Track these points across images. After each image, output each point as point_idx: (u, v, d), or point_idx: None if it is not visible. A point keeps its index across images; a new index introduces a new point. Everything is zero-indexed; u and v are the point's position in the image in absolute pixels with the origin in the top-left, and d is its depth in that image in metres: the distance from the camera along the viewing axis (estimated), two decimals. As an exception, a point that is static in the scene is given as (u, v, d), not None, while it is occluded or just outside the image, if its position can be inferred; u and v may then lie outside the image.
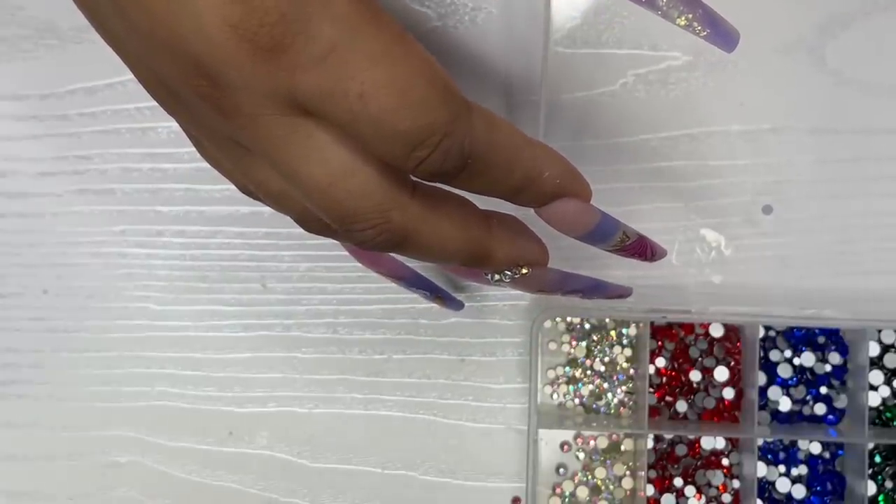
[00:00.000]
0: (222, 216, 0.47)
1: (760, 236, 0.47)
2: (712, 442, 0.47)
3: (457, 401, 0.48)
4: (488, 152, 0.27)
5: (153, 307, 0.48)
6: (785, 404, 0.47)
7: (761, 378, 0.47)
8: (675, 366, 0.47)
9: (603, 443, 0.47)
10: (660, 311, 0.45)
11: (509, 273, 0.32)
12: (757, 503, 0.45)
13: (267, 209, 0.30)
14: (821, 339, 0.47)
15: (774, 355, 0.47)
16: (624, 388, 0.48)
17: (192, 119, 0.27)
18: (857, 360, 0.46)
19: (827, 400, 0.47)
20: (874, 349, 0.46)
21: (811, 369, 0.47)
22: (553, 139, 0.46)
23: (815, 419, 0.47)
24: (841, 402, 0.47)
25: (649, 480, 0.47)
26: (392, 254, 0.37)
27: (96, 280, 0.48)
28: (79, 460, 0.48)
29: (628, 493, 0.47)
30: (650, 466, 0.47)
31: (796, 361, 0.47)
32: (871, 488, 0.46)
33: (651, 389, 0.47)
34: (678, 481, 0.47)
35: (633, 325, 0.47)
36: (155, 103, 0.27)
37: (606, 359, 0.48)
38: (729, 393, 0.47)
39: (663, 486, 0.47)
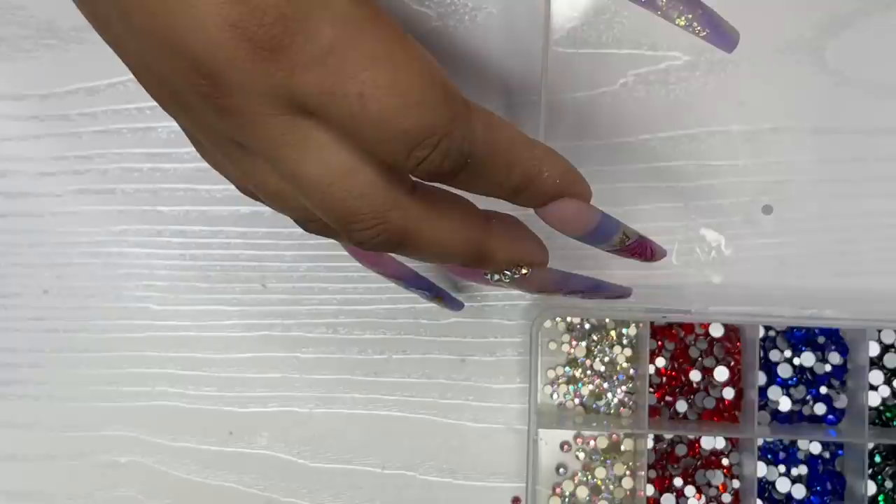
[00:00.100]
0: (223, 216, 0.47)
1: (760, 236, 0.47)
2: (712, 442, 0.47)
3: (457, 401, 0.48)
4: (488, 152, 0.27)
5: (153, 307, 0.48)
6: (785, 404, 0.47)
7: (761, 378, 0.47)
8: (675, 366, 0.47)
9: (603, 443, 0.47)
10: (660, 311, 0.45)
11: (509, 273, 0.32)
12: (757, 503, 0.45)
13: (267, 209, 0.30)
14: (821, 339, 0.47)
15: (774, 355, 0.47)
16: (624, 388, 0.48)
17: (192, 119, 0.27)
18: (857, 360, 0.46)
19: (827, 400, 0.47)
20: (874, 349, 0.46)
21: (811, 369, 0.47)
22: (553, 139, 0.46)
23: (815, 419, 0.47)
24: (841, 402, 0.47)
25: (649, 480, 0.47)
26: (392, 254, 0.37)
27: (96, 280, 0.48)
28: (79, 460, 0.48)
29: (628, 493, 0.47)
30: (650, 466, 0.47)
31: (796, 361, 0.47)
32: (871, 488, 0.46)
33: (651, 389, 0.47)
34: (678, 481, 0.47)
35: (633, 325, 0.47)
36: (155, 103, 0.27)
37: (606, 359, 0.48)
38: (729, 393, 0.47)
39: (663, 486, 0.47)
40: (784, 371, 0.47)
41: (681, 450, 0.47)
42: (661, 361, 0.47)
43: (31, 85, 0.47)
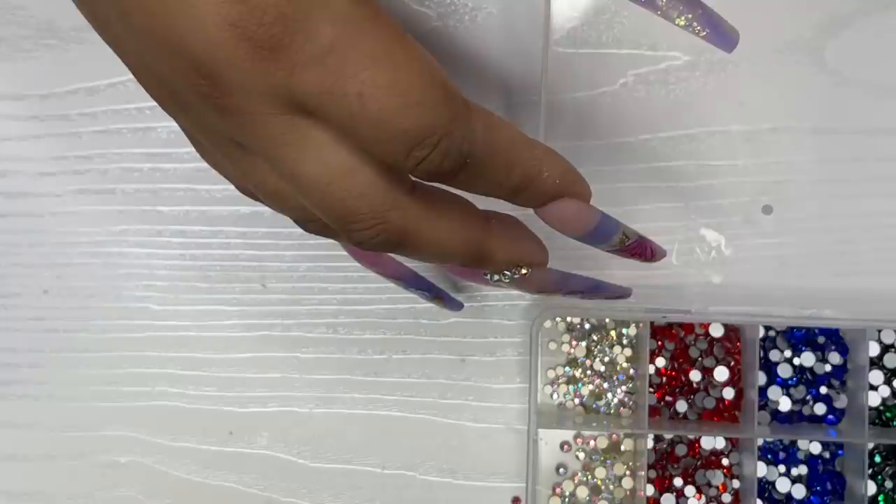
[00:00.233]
0: (223, 216, 0.47)
1: (760, 236, 0.47)
2: (712, 442, 0.47)
3: (457, 401, 0.48)
4: (487, 152, 0.27)
5: (153, 307, 0.48)
6: (785, 404, 0.47)
7: (761, 378, 0.47)
8: (675, 366, 0.47)
9: (603, 443, 0.47)
10: (660, 311, 0.45)
11: (509, 273, 0.32)
12: (757, 503, 0.45)
13: (267, 209, 0.30)
14: (821, 339, 0.47)
15: (774, 355, 0.47)
16: (624, 388, 0.48)
17: (191, 119, 0.27)
18: (857, 360, 0.46)
19: (827, 400, 0.47)
20: (874, 349, 0.46)
21: (811, 369, 0.47)
22: (553, 139, 0.46)
23: (815, 419, 0.47)
24: (841, 402, 0.47)
25: (649, 480, 0.47)
26: (391, 254, 0.37)
27: (96, 280, 0.48)
28: (79, 460, 0.48)
29: (628, 493, 0.47)
30: (650, 466, 0.47)
31: (796, 361, 0.47)
32: (871, 488, 0.46)
33: (651, 389, 0.47)
34: (678, 481, 0.47)
35: (633, 325, 0.47)
36: (155, 104, 0.27)
37: (606, 359, 0.48)
38: (729, 393, 0.47)
39: (663, 486, 0.47)
40: (784, 371, 0.47)
41: (681, 450, 0.47)
42: (661, 361, 0.47)
43: (31, 85, 0.47)
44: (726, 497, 0.47)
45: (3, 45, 0.47)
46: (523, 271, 0.32)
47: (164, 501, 0.48)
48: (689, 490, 0.47)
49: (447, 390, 0.48)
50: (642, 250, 0.34)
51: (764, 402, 0.47)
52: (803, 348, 0.47)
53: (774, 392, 0.47)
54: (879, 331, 0.47)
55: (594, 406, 0.48)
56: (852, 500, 0.46)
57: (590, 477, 0.47)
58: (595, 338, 0.48)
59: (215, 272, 0.48)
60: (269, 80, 0.24)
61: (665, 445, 0.47)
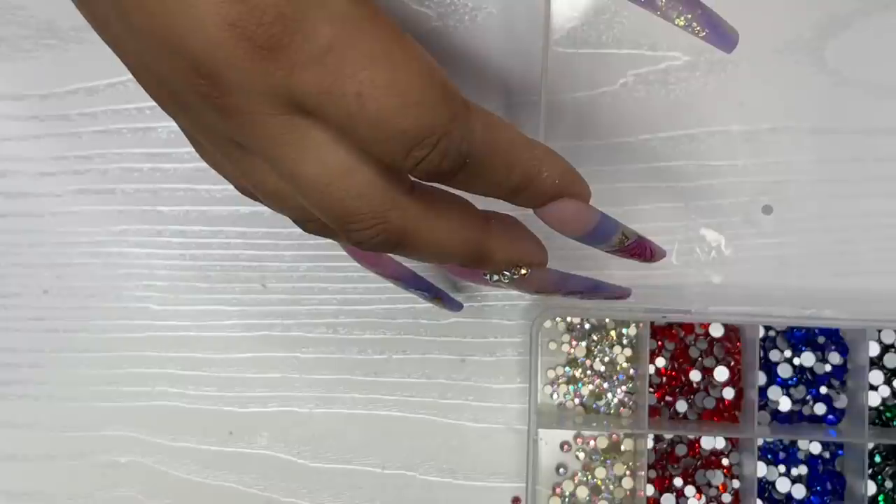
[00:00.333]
0: (223, 216, 0.47)
1: (760, 236, 0.47)
2: (712, 442, 0.47)
3: (457, 401, 0.48)
4: (486, 153, 0.27)
5: (153, 307, 0.48)
6: (785, 404, 0.47)
7: (761, 378, 0.47)
8: (675, 366, 0.47)
9: (603, 443, 0.47)
10: (660, 311, 0.45)
11: (508, 274, 0.32)
12: (757, 503, 0.45)
13: (267, 209, 0.30)
14: (821, 339, 0.47)
15: (774, 355, 0.47)
16: (624, 388, 0.48)
17: (191, 119, 0.27)
18: (857, 360, 0.46)
19: (827, 400, 0.47)
20: (874, 349, 0.46)
21: (811, 369, 0.47)
22: (553, 139, 0.46)
23: (815, 419, 0.47)
24: (841, 402, 0.47)
25: (649, 480, 0.47)
26: (391, 254, 0.37)
27: (96, 280, 0.48)
28: (79, 460, 0.48)
29: (628, 493, 0.47)
30: (650, 466, 0.47)
31: (796, 361, 0.47)
32: (871, 488, 0.46)
33: (651, 389, 0.47)
34: (678, 481, 0.47)
35: (633, 325, 0.47)
36: (155, 103, 0.27)
37: (606, 359, 0.48)
38: (729, 393, 0.47)
39: (663, 486, 0.47)
40: (784, 371, 0.47)
41: (681, 450, 0.47)
42: (661, 361, 0.47)
43: (31, 85, 0.47)
44: (726, 497, 0.47)
45: (3, 45, 0.47)
46: (523, 271, 0.32)
47: (164, 501, 0.48)
48: (689, 490, 0.47)
49: (447, 390, 0.48)
50: (642, 251, 0.34)
51: (764, 402, 0.47)
52: (803, 348, 0.47)
53: (774, 392, 0.47)
54: (879, 331, 0.47)
55: (594, 406, 0.48)
56: (852, 500, 0.46)
57: (590, 477, 0.47)
58: (595, 338, 0.48)
59: (215, 272, 0.48)
60: (269, 79, 0.24)
61: (665, 445, 0.47)
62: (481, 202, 0.30)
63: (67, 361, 0.48)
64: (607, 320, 0.47)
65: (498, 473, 0.47)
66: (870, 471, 0.46)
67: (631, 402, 0.47)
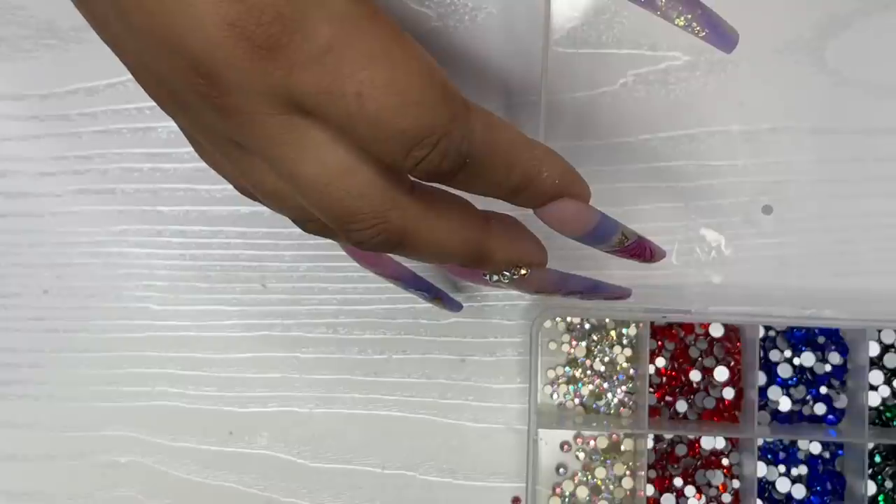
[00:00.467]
0: (223, 216, 0.47)
1: (760, 236, 0.47)
2: (712, 442, 0.47)
3: (457, 400, 0.48)
4: (486, 153, 0.27)
5: (153, 307, 0.48)
6: (785, 404, 0.47)
7: (761, 378, 0.47)
8: (675, 366, 0.47)
9: (603, 443, 0.47)
10: (660, 311, 0.45)
11: (508, 274, 0.32)
12: (757, 503, 0.45)
13: (267, 209, 0.30)
14: (821, 339, 0.47)
15: (774, 355, 0.47)
16: (624, 388, 0.48)
17: (190, 119, 0.27)
18: (857, 360, 0.46)
19: (827, 400, 0.47)
20: (874, 349, 0.46)
21: (811, 369, 0.47)
22: (553, 139, 0.46)
23: (815, 419, 0.47)
24: (841, 402, 0.47)
25: (649, 480, 0.47)
26: (390, 254, 0.37)
27: (96, 280, 0.48)
28: (79, 460, 0.48)
29: (628, 493, 0.47)
30: (650, 466, 0.47)
31: (796, 361, 0.47)
32: (871, 488, 0.46)
33: (651, 389, 0.47)
34: (678, 481, 0.47)
35: (633, 325, 0.47)
36: (155, 103, 0.27)
37: (606, 359, 0.48)
38: (729, 393, 0.47)
39: (663, 486, 0.47)
40: (784, 371, 0.47)
41: (681, 450, 0.47)
42: (661, 361, 0.47)
43: (31, 85, 0.47)
44: (726, 497, 0.47)
45: (3, 45, 0.47)
46: (522, 272, 0.32)
47: (164, 501, 0.48)
48: (689, 490, 0.47)
49: (447, 390, 0.48)
50: (641, 251, 0.34)
51: (764, 402, 0.47)
52: (803, 348, 0.47)
53: (774, 392, 0.47)
54: (879, 331, 0.47)
55: (594, 406, 0.48)
56: (852, 500, 0.46)
57: (590, 477, 0.47)
58: (595, 338, 0.48)
59: (215, 272, 0.48)
60: (268, 79, 0.24)
61: (665, 445, 0.47)
62: (481, 202, 0.30)
63: (67, 361, 0.48)
64: (607, 320, 0.47)
65: (498, 473, 0.47)
66: (870, 471, 0.46)
67: (631, 402, 0.47)
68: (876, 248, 0.47)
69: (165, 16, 0.23)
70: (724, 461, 0.47)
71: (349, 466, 0.48)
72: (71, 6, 0.27)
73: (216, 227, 0.48)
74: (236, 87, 0.24)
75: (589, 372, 0.48)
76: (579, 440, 0.47)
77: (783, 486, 0.46)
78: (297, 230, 0.30)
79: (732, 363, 0.47)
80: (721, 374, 0.47)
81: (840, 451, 0.47)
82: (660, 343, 0.47)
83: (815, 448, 0.47)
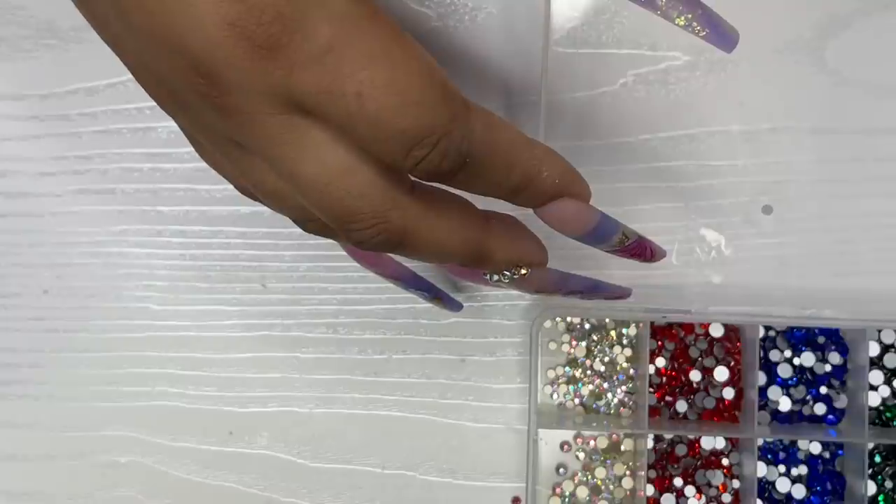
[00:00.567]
0: (223, 216, 0.47)
1: (760, 236, 0.47)
2: (712, 442, 0.47)
3: (457, 400, 0.48)
4: (486, 152, 0.27)
5: (153, 307, 0.48)
6: (785, 404, 0.47)
7: (761, 378, 0.47)
8: (675, 366, 0.47)
9: (603, 443, 0.47)
10: (660, 311, 0.45)
11: (508, 273, 0.32)
12: (757, 503, 0.45)
13: (267, 209, 0.30)
14: (821, 339, 0.47)
15: (774, 355, 0.47)
16: (624, 388, 0.48)
17: (190, 118, 0.27)
18: (857, 360, 0.46)
19: (827, 400, 0.47)
20: (874, 349, 0.46)
21: (811, 369, 0.47)
22: (553, 139, 0.46)
23: (815, 419, 0.47)
24: (841, 402, 0.47)
25: (649, 480, 0.47)
26: (391, 254, 0.37)
27: (96, 280, 0.48)
28: (79, 460, 0.48)
29: (628, 493, 0.47)
30: (650, 466, 0.47)
31: (796, 361, 0.47)
32: (871, 488, 0.46)
33: (651, 389, 0.47)
34: (678, 481, 0.47)
35: (633, 325, 0.47)
36: (155, 103, 0.27)
37: (606, 359, 0.48)
38: (729, 393, 0.47)
39: (663, 486, 0.47)
40: (784, 371, 0.47)
41: (681, 450, 0.47)
42: (661, 361, 0.47)
43: (31, 85, 0.47)
44: (726, 497, 0.47)
45: (3, 45, 0.47)
46: (523, 271, 0.32)
47: (164, 501, 0.48)
48: (689, 490, 0.47)
49: (447, 390, 0.48)
50: (642, 250, 0.34)
51: (764, 402, 0.47)
52: (803, 348, 0.47)
53: (774, 392, 0.47)
54: (879, 331, 0.47)
55: (594, 406, 0.48)
56: (852, 500, 0.46)
57: (590, 477, 0.47)
58: (595, 338, 0.48)
59: (215, 272, 0.48)
60: (268, 79, 0.24)
61: (665, 445, 0.47)
62: (482, 202, 0.30)
63: (67, 361, 0.48)
64: (607, 320, 0.47)
65: (498, 473, 0.47)
66: (870, 471, 0.46)
67: (631, 402, 0.47)
68: (876, 248, 0.47)
69: (166, 15, 0.23)
70: (724, 461, 0.47)
71: (349, 466, 0.48)
72: (71, 6, 0.27)
73: (216, 227, 0.48)
74: (236, 87, 0.24)
75: (589, 372, 0.48)
76: (579, 440, 0.47)
77: (783, 486, 0.46)
78: (298, 230, 0.30)
79: (732, 363, 0.47)
80: (721, 374, 0.47)
81: (840, 451, 0.47)
82: (660, 343, 0.47)
83: (815, 448, 0.47)
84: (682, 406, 0.47)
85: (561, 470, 0.48)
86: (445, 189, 0.28)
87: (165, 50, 0.24)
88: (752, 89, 0.46)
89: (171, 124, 0.46)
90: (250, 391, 0.48)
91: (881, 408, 0.47)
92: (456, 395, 0.48)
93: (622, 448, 0.47)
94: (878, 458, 0.46)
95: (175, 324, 0.48)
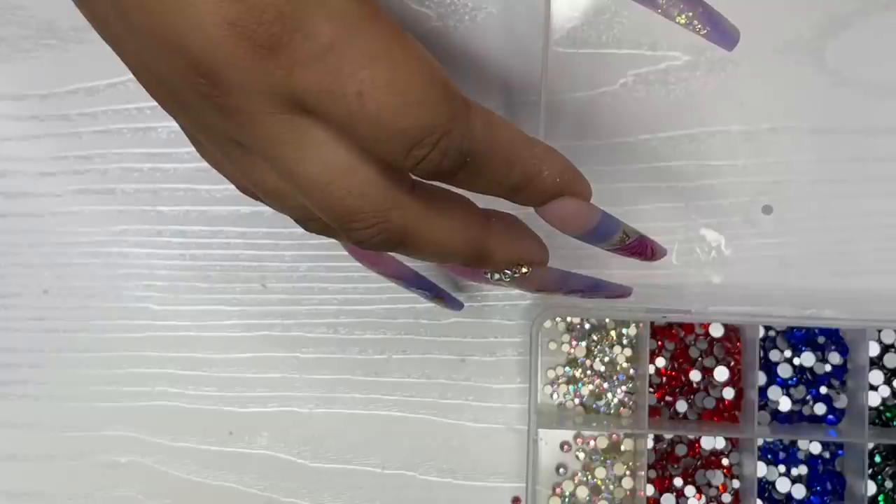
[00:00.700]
0: (223, 216, 0.47)
1: (760, 236, 0.47)
2: (712, 442, 0.47)
3: (457, 401, 0.48)
4: (487, 151, 0.27)
5: (153, 307, 0.48)
6: (785, 404, 0.47)
7: (761, 378, 0.47)
8: (675, 366, 0.47)
9: (603, 443, 0.47)
10: (660, 311, 0.45)
11: (509, 272, 0.32)
12: (757, 503, 0.45)
13: (267, 209, 0.30)
14: (821, 339, 0.47)
15: (774, 355, 0.47)
16: (624, 388, 0.48)
17: (191, 118, 0.27)
18: (857, 360, 0.46)
19: (827, 400, 0.47)
20: (874, 349, 0.46)
21: (811, 369, 0.47)
22: (553, 139, 0.46)
23: (815, 419, 0.47)
24: (841, 402, 0.47)
25: (649, 480, 0.47)
26: (392, 253, 0.37)
27: (96, 280, 0.48)
28: (79, 460, 0.48)
29: (628, 493, 0.47)
30: (650, 466, 0.47)
31: (796, 361, 0.47)
32: (871, 488, 0.46)
33: (651, 389, 0.47)
34: (678, 481, 0.47)
35: (633, 325, 0.47)
36: (155, 103, 0.27)
37: (606, 359, 0.48)
38: (729, 393, 0.47)
39: (663, 486, 0.47)
40: (784, 371, 0.47)
41: (681, 450, 0.47)
42: (661, 361, 0.47)
43: (31, 85, 0.47)
44: (726, 497, 0.47)
45: (3, 45, 0.47)
46: (524, 270, 0.32)
47: (164, 501, 0.48)
48: (689, 490, 0.47)
49: (447, 390, 0.48)
50: (642, 249, 0.34)
51: (764, 402, 0.47)
52: (803, 348, 0.47)
53: (774, 392, 0.47)
54: (879, 331, 0.47)
55: (594, 406, 0.48)
56: (852, 500, 0.46)
57: (590, 477, 0.47)
58: (595, 338, 0.48)
59: (215, 272, 0.48)
60: (269, 79, 0.24)
61: (665, 445, 0.47)
62: (482, 201, 0.30)
63: (67, 361, 0.48)
64: (607, 320, 0.47)
65: (498, 473, 0.47)
66: (870, 471, 0.46)
67: (631, 402, 0.47)
68: (876, 248, 0.47)
69: (166, 15, 0.23)
70: (724, 461, 0.47)
71: (349, 466, 0.48)
72: (71, 6, 0.27)
73: (216, 227, 0.48)
74: (237, 87, 0.24)
75: (589, 372, 0.48)
76: (579, 440, 0.47)
77: (783, 486, 0.46)
78: (298, 230, 0.30)
79: (732, 363, 0.47)
80: (721, 374, 0.47)
81: (840, 451, 0.47)
82: (660, 343, 0.47)
83: (815, 448, 0.47)
84: (682, 406, 0.47)
85: (561, 470, 0.48)
86: (446, 188, 0.28)
87: (166, 50, 0.24)
88: (752, 89, 0.46)
89: (172, 124, 0.46)
90: (250, 391, 0.48)
91: (881, 408, 0.47)
92: (456, 395, 0.48)
93: (622, 448, 0.47)
94: (878, 458, 0.46)
95: (175, 324, 0.48)
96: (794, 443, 0.47)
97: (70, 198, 0.48)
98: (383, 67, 0.24)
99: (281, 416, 0.48)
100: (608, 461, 0.47)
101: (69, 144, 0.47)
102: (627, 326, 0.47)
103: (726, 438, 0.47)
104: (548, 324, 0.48)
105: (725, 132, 0.46)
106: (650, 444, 0.46)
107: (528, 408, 0.45)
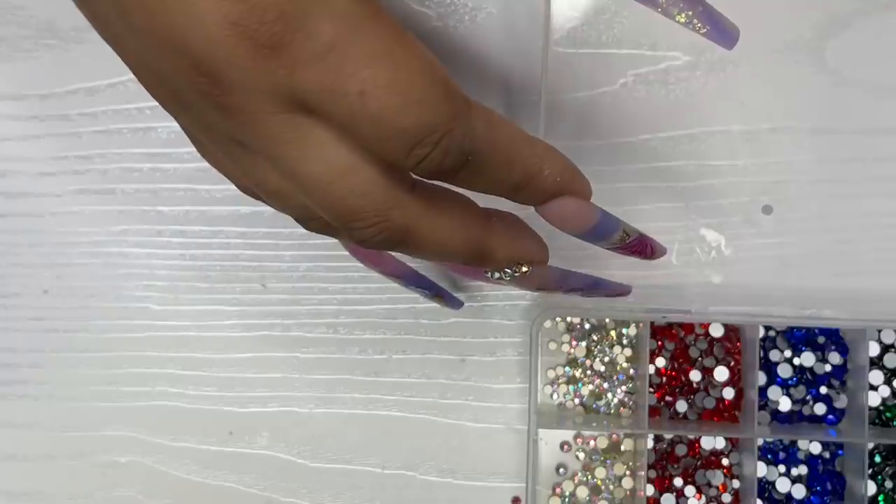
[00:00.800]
0: (223, 216, 0.47)
1: (760, 236, 0.47)
2: (712, 442, 0.47)
3: (457, 400, 0.48)
4: (488, 150, 0.27)
5: (153, 307, 0.48)
6: (785, 404, 0.47)
7: (761, 378, 0.47)
8: (675, 366, 0.47)
9: (603, 443, 0.47)
10: (660, 311, 0.45)
11: (509, 271, 0.32)
12: (757, 503, 0.45)
13: (268, 209, 0.30)
14: (821, 339, 0.47)
15: (774, 355, 0.47)
16: (624, 388, 0.48)
17: (192, 118, 0.27)
18: (857, 360, 0.46)
19: (827, 400, 0.47)
20: (874, 349, 0.46)
21: (811, 369, 0.47)
22: (553, 139, 0.45)
23: (815, 419, 0.47)
24: (841, 402, 0.47)
25: (649, 480, 0.47)
26: (392, 252, 0.37)
27: (96, 280, 0.48)
28: (79, 460, 0.48)
29: (628, 493, 0.47)
30: (650, 466, 0.47)
31: (796, 361, 0.47)
32: (871, 488, 0.46)
33: (651, 389, 0.47)
34: (678, 481, 0.47)
35: (633, 325, 0.47)
36: (155, 103, 0.27)
37: (606, 359, 0.48)
38: (729, 393, 0.47)
39: (663, 486, 0.47)
40: (784, 371, 0.47)
41: (681, 450, 0.47)
42: (661, 361, 0.47)
43: (31, 85, 0.47)
44: (726, 497, 0.47)
45: (3, 45, 0.47)
46: (524, 269, 0.32)
47: (164, 501, 0.48)
48: (689, 490, 0.47)
49: (447, 390, 0.48)
50: (643, 248, 0.34)
51: (764, 402, 0.47)
52: (803, 348, 0.47)
53: (774, 392, 0.47)
54: (879, 331, 0.47)
55: (594, 406, 0.48)
56: (852, 500, 0.46)
57: (590, 477, 0.47)
58: (595, 338, 0.48)
59: (215, 272, 0.48)
60: (270, 78, 0.24)
61: (665, 445, 0.47)
62: (483, 200, 0.30)
63: (67, 361, 0.48)
64: (607, 320, 0.47)
65: (498, 473, 0.47)
66: (870, 471, 0.46)
67: (631, 402, 0.47)
68: (876, 248, 0.47)
69: (167, 15, 0.23)
70: (724, 461, 0.47)
71: (349, 466, 0.48)
72: (71, 6, 0.27)
73: (216, 227, 0.48)
74: (239, 86, 0.24)
75: (589, 372, 0.48)
76: (579, 440, 0.47)
77: (783, 486, 0.46)
78: (298, 230, 0.30)
79: (732, 363, 0.47)
80: (721, 374, 0.47)
81: (840, 451, 0.47)
82: (660, 343, 0.47)
83: (815, 448, 0.47)
84: (682, 406, 0.47)
85: (561, 470, 0.48)
86: (447, 187, 0.28)
87: (167, 49, 0.24)
88: (752, 89, 0.46)
89: (172, 124, 0.46)
90: (250, 391, 0.48)
91: (881, 408, 0.47)
92: (456, 395, 0.48)
93: (622, 448, 0.47)
94: (878, 458, 0.46)
95: (175, 324, 0.48)
96: (794, 443, 0.47)
97: (70, 198, 0.48)
98: (385, 67, 0.24)
99: (281, 416, 0.48)
100: (608, 461, 0.47)
101: (69, 144, 0.47)
102: (627, 326, 0.47)
103: (726, 438, 0.47)
104: (548, 324, 0.48)
105: (725, 132, 0.46)
106: (650, 444, 0.46)
107: (528, 408, 0.45)
